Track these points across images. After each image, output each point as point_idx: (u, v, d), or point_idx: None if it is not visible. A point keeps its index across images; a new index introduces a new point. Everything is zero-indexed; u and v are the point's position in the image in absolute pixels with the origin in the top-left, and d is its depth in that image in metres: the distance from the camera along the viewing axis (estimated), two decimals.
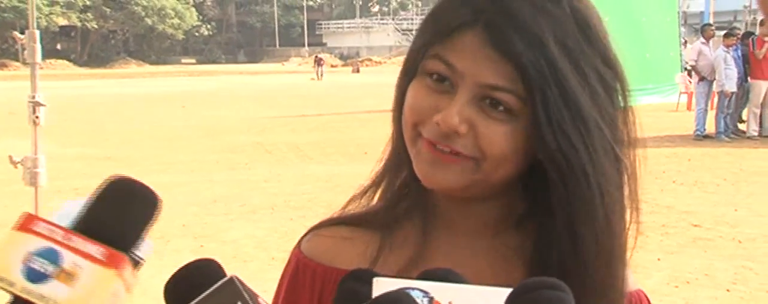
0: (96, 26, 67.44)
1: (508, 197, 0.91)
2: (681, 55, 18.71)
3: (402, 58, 0.94)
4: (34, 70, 5.04)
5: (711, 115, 12.96)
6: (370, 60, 58.97)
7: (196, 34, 76.18)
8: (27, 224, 0.56)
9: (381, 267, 0.91)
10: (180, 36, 71.92)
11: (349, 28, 76.91)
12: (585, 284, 0.83)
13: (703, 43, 13.62)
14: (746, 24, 30.36)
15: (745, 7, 33.48)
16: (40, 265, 0.54)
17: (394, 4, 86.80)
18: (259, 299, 0.57)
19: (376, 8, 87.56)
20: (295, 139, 13.52)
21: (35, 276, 0.54)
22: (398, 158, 0.94)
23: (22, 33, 5.04)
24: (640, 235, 0.90)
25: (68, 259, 0.55)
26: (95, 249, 0.56)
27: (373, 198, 0.98)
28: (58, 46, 68.27)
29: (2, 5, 56.67)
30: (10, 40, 48.64)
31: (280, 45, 78.19)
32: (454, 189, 0.87)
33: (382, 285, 0.51)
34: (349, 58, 63.36)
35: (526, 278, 0.53)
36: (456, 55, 0.83)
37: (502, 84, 0.82)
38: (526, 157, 0.85)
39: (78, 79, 41.48)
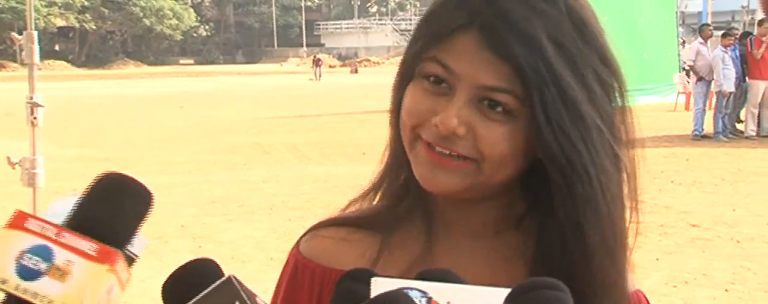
0: (94, 27, 67.27)
1: (507, 197, 0.91)
2: (679, 55, 18.72)
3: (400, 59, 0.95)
4: (32, 71, 5.03)
5: (709, 115, 12.96)
6: (368, 60, 58.88)
7: (194, 34, 76.09)
8: (19, 221, 0.56)
9: (381, 269, 0.90)
10: (178, 37, 71.80)
11: (347, 28, 76.83)
12: (590, 282, 0.83)
13: (701, 43, 13.62)
14: (744, 24, 30.43)
15: (743, 7, 33.56)
16: (33, 262, 0.54)
17: (392, 4, 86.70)
18: (257, 299, 0.57)
19: (374, 9, 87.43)
20: (293, 139, 13.51)
21: (28, 274, 0.54)
22: (397, 161, 0.94)
23: (20, 34, 5.02)
24: (639, 235, 0.90)
25: (61, 256, 0.55)
26: (88, 245, 0.55)
27: (372, 201, 0.98)
28: (56, 47, 68.13)
29: (0, 6, 56.57)
30: (8, 41, 48.59)
31: (278, 45, 78.08)
32: (455, 192, 0.87)
33: (380, 285, 0.51)
34: (348, 59, 63.23)
35: (528, 277, 0.53)
36: (453, 57, 0.83)
37: (499, 85, 0.82)
38: (525, 157, 0.85)
39: (76, 80, 41.40)
